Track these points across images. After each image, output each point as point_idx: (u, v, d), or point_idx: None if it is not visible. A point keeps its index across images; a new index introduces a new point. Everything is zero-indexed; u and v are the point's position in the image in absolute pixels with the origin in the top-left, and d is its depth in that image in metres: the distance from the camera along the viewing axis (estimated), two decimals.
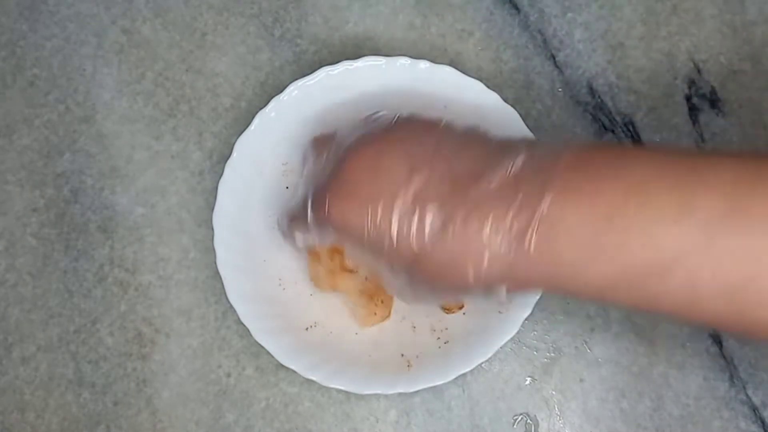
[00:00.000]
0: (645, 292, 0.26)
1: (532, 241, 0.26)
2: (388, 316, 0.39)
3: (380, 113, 0.34)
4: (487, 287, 0.28)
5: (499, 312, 0.37)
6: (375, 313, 0.39)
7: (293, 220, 0.34)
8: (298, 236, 0.34)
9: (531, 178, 0.27)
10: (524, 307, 0.36)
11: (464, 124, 0.31)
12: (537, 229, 0.26)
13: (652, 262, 0.25)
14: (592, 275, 0.26)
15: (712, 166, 0.25)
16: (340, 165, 0.30)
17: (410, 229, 0.28)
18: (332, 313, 0.40)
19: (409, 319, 0.39)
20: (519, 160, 0.27)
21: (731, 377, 0.40)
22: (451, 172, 0.28)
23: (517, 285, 0.28)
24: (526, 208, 0.26)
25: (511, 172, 0.27)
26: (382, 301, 0.39)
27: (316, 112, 0.40)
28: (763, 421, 0.39)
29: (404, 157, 0.29)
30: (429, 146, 0.29)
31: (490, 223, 0.27)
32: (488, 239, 0.27)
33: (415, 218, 0.28)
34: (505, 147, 0.29)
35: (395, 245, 0.28)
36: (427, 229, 0.28)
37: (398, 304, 0.40)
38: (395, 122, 0.31)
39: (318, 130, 0.37)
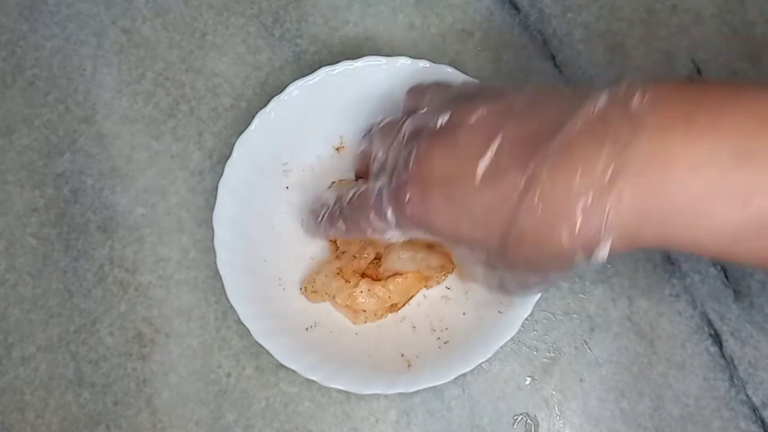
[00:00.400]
0: None
1: (629, 188, 0.23)
2: (384, 314, 0.39)
3: (433, 85, 0.31)
4: (586, 248, 0.24)
5: (499, 312, 0.37)
6: (364, 310, 0.39)
7: (362, 211, 0.31)
8: (370, 226, 0.31)
9: (618, 116, 0.23)
10: (524, 307, 0.36)
11: (535, 83, 0.28)
12: (634, 173, 0.22)
13: None
14: (717, 221, 0.22)
15: None
16: (415, 157, 0.28)
17: (495, 202, 0.25)
18: (332, 313, 0.40)
19: (409, 319, 0.39)
20: (602, 99, 0.24)
21: (731, 377, 0.40)
22: (526, 131, 0.25)
23: (621, 240, 0.24)
24: (616, 150, 0.23)
25: (595, 112, 0.24)
26: (379, 298, 0.39)
27: (315, 115, 0.40)
28: (763, 421, 0.39)
29: (476, 131, 0.26)
30: (499, 113, 0.27)
31: (578, 175, 0.23)
32: (578, 192, 0.23)
33: (497, 188, 0.25)
34: (583, 91, 0.25)
35: (482, 223, 0.26)
36: (512, 196, 0.24)
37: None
38: (462, 95, 0.29)
39: (379, 113, 0.35)
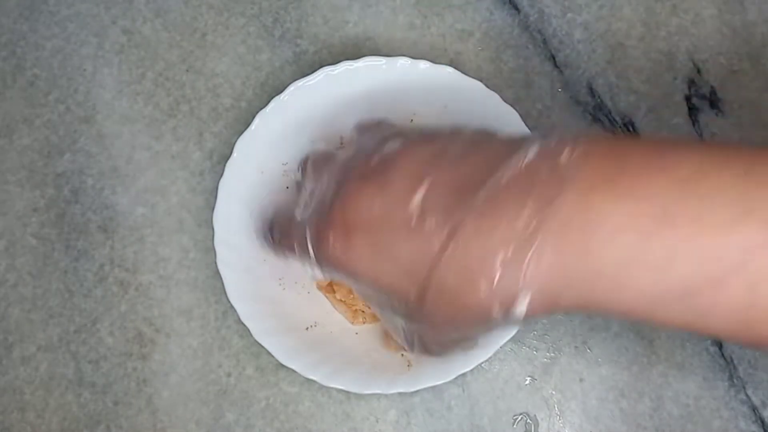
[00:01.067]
0: (696, 306, 0.22)
1: (550, 245, 0.22)
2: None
3: (375, 122, 0.31)
4: (503, 303, 0.24)
5: None
6: (363, 311, 0.39)
7: (289, 238, 0.30)
8: (288, 255, 0.31)
9: (546, 170, 0.23)
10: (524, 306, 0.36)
11: (472, 127, 0.27)
12: (556, 230, 0.22)
13: (709, 271, 0.21)
14: (637, 289, 0.22)
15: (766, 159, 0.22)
16: (341, 197, 0.27)
17: (416, 251, 0.24)
18: (332, 313, 0.40)
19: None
20: (531, 151, 0.24)
21: (731, 377, 0.40)
22: (456, 179, 0.25)
23: (544, 301, 0.24)
24: (540, 205, 0.22)
25: (524, 165, 0.23)
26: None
27: (315, 115, 0.40)
28: (762, 421, 0.39)
29: (406, 175, 0.26)
30: (429, 158, 0.26)
31: (502, 225, 0.23)
32: (499, 246, 0.23)
33: (420, 237, 0.24)
34: (515, 142, 0.25)
35: (402, 272, 0.25)
36: (435, 245, 0.24)
37: None
38: (396, 136, 0.28)
39: (317, 135, 0.34)
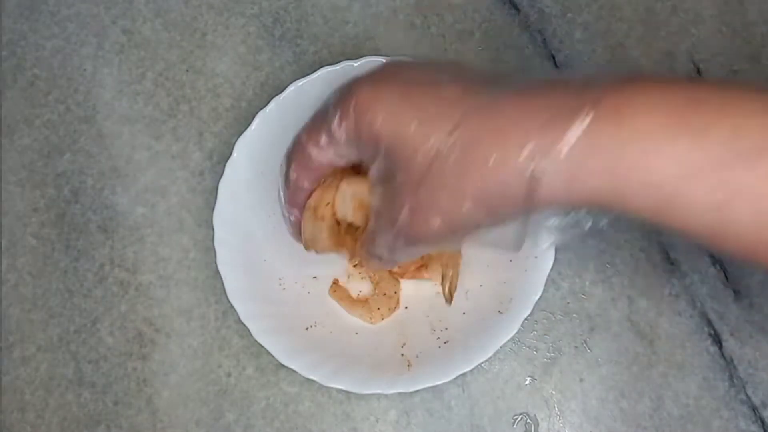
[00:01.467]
0: (664, 195, 0.23)
1: (582, 126, 0.23)
2: (397, 307, 0.39)
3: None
4: (527, 182, 0.24)
5: (499, 312, 0.37)
6: (378, 308, 0.39)
7: (309, 133, 0.31)
8: (314, 152, 0.30)
9: (584, 80, 0.24)
10: (524, 306, 0.36)
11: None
12: (589, 114, 0.23)
13: (739, 144, 0.22)
14: (666, 160, 0.23)
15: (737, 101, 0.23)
16: (364, 79, 0.28)
17: (446, 104, 0.25)
18: (332, 313, 0.40)
19: (409, 319, 0.39)
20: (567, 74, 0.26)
21: (731, 377, 0.40)
22: (476, 79, 0.26)
23: (562, 185, 0.24)
24: (573, 96, 0.24)
25: (558, 78, 0.25)
26: (385, 294, 0.39)
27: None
28: (762, 421, 0.39)
29: (430, 69, 0.28)
30: (448, 68, 0.28)
31: (538, 105, 0.24)
32: (535, 119, 0.24)
33: (451, 97, 0.26)
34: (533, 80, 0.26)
35: (428, 120, 0.26)
36: (465, 106, 0.25)
37: (402, 301, 0.40)
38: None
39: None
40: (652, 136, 0.23)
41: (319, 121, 0.30)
